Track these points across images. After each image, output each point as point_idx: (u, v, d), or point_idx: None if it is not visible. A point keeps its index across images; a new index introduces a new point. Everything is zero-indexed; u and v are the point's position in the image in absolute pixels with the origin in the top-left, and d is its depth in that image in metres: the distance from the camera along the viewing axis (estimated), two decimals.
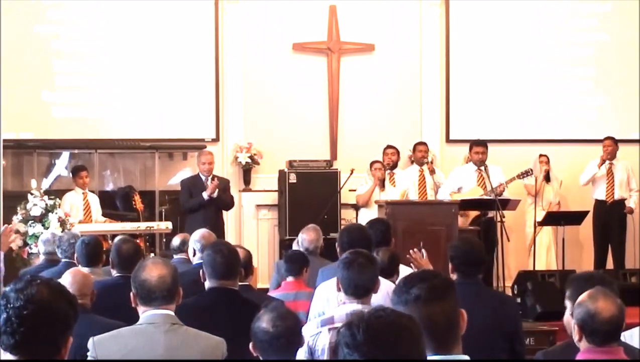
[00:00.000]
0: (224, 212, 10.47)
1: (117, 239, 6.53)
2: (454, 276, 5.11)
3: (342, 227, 5.94)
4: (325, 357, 4.00)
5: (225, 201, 10.25)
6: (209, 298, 4.52)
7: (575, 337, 3.52)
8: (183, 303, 4.60)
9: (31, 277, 2.52)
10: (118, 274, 5.55)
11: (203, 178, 10.18)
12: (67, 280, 4.73)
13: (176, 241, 7.20)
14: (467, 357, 2.59)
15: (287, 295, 5.85)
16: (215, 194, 9.99)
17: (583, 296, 3.52)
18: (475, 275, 5.04)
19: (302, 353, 4.04)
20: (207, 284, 4.56)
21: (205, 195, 9.96)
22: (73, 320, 2.52)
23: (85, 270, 5.38)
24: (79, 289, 4.68)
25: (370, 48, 11.76)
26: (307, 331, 4.05)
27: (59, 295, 2.51)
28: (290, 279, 6.09)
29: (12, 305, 2.43)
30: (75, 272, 4.91)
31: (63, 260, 6.61)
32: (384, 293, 5.17)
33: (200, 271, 4.60)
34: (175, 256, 6.97)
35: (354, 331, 2.16)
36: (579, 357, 3.50)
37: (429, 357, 2.57)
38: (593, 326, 3.44)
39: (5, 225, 6.83)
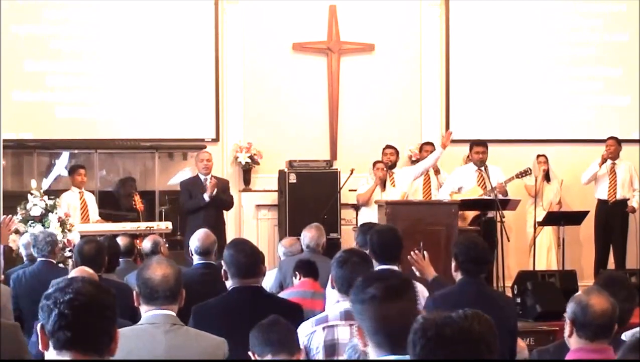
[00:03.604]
0: (224, 212, 10.46)
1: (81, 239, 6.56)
2: (457, 275, 5.09)
3: (373, 228, 5.88)
4: (320, 356, 3.98)
5: (225, 201, 10.25)
6: (234, 297, 4.53)
7: (566, 333, 3.50)
8: (206, 303, 4.60)
9: (69, 278, 2.52)
10: None
11: (202, 178, 10.18)
12: None
13: (147, 244, 7.13)
14: None
15: (304, 292, 5.88)
16: (214, 193, 9.98)
17: (578, 292, 3.53)
18: (479, 274, 5.03)
19: None
20: (230, 284, 4.55)
21: (206, 196, 9.94)
22: (118, 310, 2.53)
23: None
24: None
25: (370, 48, 11.75)
26: (302, 331, 4.04)
27: (102, 288, 2.52)
28: (306, 278, 6.09)
29: (61, 300, 2.42)
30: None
31: (39, 259, 6.68)
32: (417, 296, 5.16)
33: (222, 271, 4.58)
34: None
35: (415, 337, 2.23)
36: (568, 356, 3.49)
37: (385, 357, 2.58)
38: (584, 319, 3.43)
39: (4, 216, 6.87)
